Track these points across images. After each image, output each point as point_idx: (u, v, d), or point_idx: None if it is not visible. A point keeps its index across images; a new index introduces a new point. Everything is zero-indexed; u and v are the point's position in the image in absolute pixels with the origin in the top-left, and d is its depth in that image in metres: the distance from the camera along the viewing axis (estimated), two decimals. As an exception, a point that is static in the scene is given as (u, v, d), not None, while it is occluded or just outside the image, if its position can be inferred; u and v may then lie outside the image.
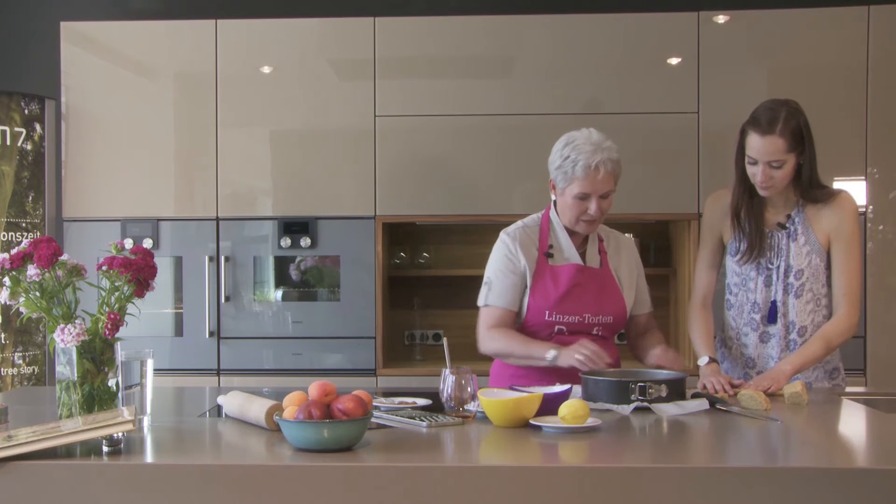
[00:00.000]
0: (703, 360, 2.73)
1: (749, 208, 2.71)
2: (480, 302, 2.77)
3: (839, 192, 2.69)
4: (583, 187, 2.62)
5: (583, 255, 2.75)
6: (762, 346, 2.72)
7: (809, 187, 2.64)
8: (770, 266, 2.70)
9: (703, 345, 2.77)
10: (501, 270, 2.72)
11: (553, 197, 2.75)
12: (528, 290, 2.70)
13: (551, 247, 2.73)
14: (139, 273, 2.09)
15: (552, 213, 2.77)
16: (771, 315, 2.69)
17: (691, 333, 2.84)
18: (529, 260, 2.71)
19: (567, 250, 2.73)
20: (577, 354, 2.49)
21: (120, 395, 2.10)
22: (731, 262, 2.79)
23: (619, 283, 2.78)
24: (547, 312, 2.68)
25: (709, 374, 2.65)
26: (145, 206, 4.06)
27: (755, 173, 2.62)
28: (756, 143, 2.59)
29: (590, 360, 2.48)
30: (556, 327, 2.69)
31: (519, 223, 2.81)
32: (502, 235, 2.78)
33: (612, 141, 2.67)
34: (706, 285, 2.86)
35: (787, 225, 2.69)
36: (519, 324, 2.74)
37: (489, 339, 2.71)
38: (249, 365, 4.04)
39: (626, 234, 2.94)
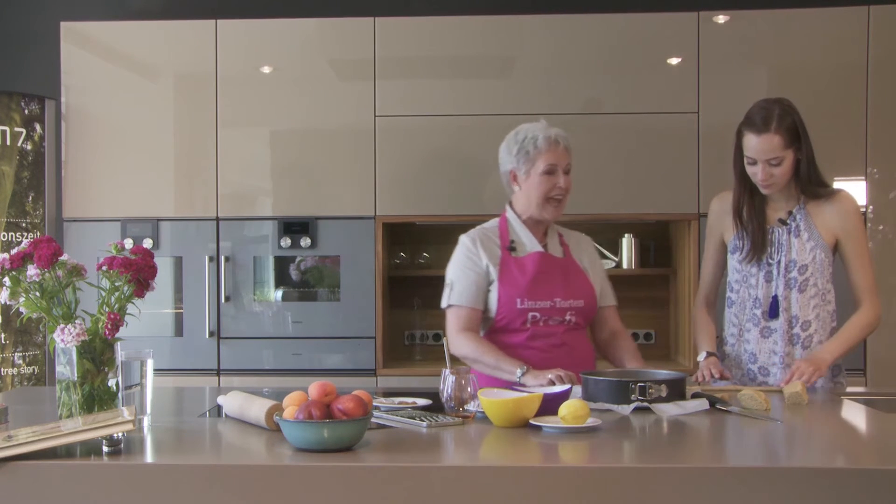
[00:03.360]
0: (701, 355, 2.79)
1: (751, 207, 2.74)
2: (444, 303, 2.78)
3: (839, 190, 2.72)
4: (548, 159, 2.70)
5: (544, 247, 2.80)
6: (763, 342, 2.73)
7: (809, 183, 2.67)
8: (771, 261, 2.71)
9: (704, 341, 2.83)
10: (462, 269, 2.76)
11: (515, 189, 2.78)
12: (495, 284, 2.72)
13: (513, 241, 2.78)
14: (139, 273, 2.09)
15: (510, 214, 2.82)
16: (772, 310, 2.70)
17: (694, 332, 2.89)
18: (492, 257, 2.75)
19: (529, 244, 2.78)
20: (550, 375, 2.49)
21: (120, 395, 2.10)
22: (732, 260, 2.81)
23: (584, 270, 2.82)
24: (518, 300, 2.69)
25: (704, 366, 2.70)
26: (145, 206, 4.06)
27: (755, 173, 2.65)
28: (753, 143, 2.62)
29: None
30: (530, 314, 2.70)
31: (478, 227, 2.85)
32: (462, 238, 2.81)
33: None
34: (710, 285, 2.90)
35: (789, 221, 2.70)
36: (491, 320, 2.75)
37: (460, 342, 2.71)
38: (249, 365, 4.04)
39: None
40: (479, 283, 2.74)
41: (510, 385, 2.45)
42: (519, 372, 2.58)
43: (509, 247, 2.77)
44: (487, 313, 2.75)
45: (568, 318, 2.74)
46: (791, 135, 2.61)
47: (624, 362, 2.81)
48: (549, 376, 2.50)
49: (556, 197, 2.72)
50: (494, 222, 2.85)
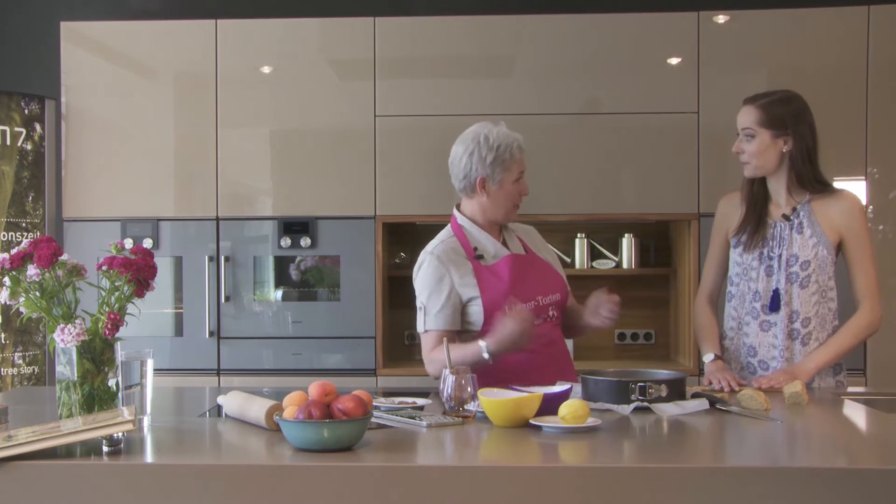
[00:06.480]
0: (708, 357, 2.77)
1: (754, 191, 2.76)
2: (420, 329, 2.69)
3: (844, 190, 2.73)
4: (520, 166, 2.70)
5: (505, 245, 2.76)
6: (763, 335, 2.73)
7: (803, 178, 2.68)
8: (772, 255, 2.72)
9: (709, 342, 2.81)
10: (433, 292, 2.65)
11: (480, 196, 2.70)
12: (477, 298, 2.64)
13: (476, 249, 2.71)
14: (139, 273, 2.09)
15: (462, 220, 2.75)
16: (773, 303, 2.70)
17: (696, 330, 2.89)
18: (463, 270, 2.67)
19: (493, 248, 2.73)
20: (513, 331, 2.43)
21: (120, 395, 2.10)
22: (733, 254, 2.82)
23: (548, 263, 2.81)
24: (506, 308, 2.63)
25: (714, 371, 2.68)
26: (145, 206, 4.06)
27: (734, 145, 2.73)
28: (739, 114, 2.71)
29: (518, 322, 2.43)
30: None
31: (435, 240, 2.75)
32: (426, 256, 2.71)
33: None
34: (713, 283, 2.91)
35: (792, 217, 2.71)
36: (474, 332, 2.66)
37: (430, 361, 2.62)
38: (249, 365, 4.04)
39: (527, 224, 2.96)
40: (453, 302, 2.64)
41: (510, 385, 2.44)
42: (485, 352, 2.49)
43: (476, 256, 2.70)
44: (471, 327, 2.67)
45: (550, 313, 2.72)
46: (774, 120, 2.65)
47: (579, 313, 2.74)
48: (507, 322, 2.43)
49: (519, 202, 2.73)
50: (449, 233, 2.76)
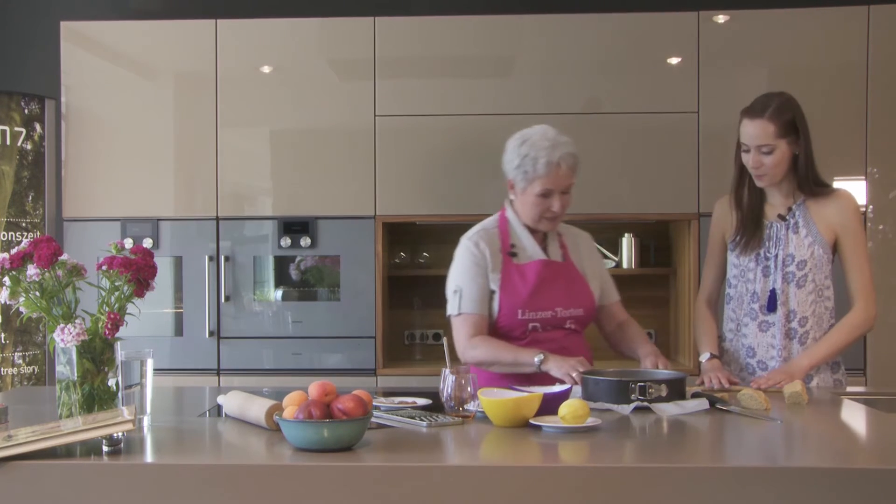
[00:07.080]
0: (704, 356, 2.78)
1: (750, 198, 2.75)
2: (453, 311, 2.70)
3: (839, 189, 2.74)
4: (545, 184, 2.63)
5: (544, 251, 2.75)
6: (761, 335, 2.73)
7: (806, 180, 2.68)
8: (768, 255, 2.72)
9: (707, 342, 2.82)
10: (471, 276, 2.68)
11: (511, 197, 2.75)
12: (497, 292, 2.67)
13: (513, 246, 2.72)
14: (139, 273, 2.09)
15: (509, 214, 2.77)
16: (770, 304, 2.71)
17: (695, 331, 2.90)
18: (495, 261, 2.69)
19: (530, 248, 2.73)
20: (572, 372, 2.45)
21: (120, 395, 2.10)
22: (730, 257, 2.82)
23: (583, 275, 2.79)
24: (520, 311, 2.66)
25: (709, 370, 2.69)
26: (145, 206, 4.06)
27: (748, 160, 2.68)
28: (747, 129, 2.66)
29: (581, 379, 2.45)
30: (530, 325, 2.68)
31: (477, 227, 2.78)
32: (465, 242, 2.74)
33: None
34: (711, 285, 2.92)
35: (788, 217, 2.71)
36: (490, 326, 2.70)
37: (471, 347, 2.64)
38: (249, 365, 4.04)
39: (583, 231, 2.94)
40: (486, 287, 2.68)
41: (510, 385, 2.45)
42: (537, 360, 2.53)
43: (510, 252, 2.71)
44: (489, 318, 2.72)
45: (568, 325, 2.72)
46: (786, 127, 2.63)
47: (635, 347, 2.76)
48: (572, 374, 2.43)
49: (549, 217, 2.69)
50: (494, 221, 2.79)
